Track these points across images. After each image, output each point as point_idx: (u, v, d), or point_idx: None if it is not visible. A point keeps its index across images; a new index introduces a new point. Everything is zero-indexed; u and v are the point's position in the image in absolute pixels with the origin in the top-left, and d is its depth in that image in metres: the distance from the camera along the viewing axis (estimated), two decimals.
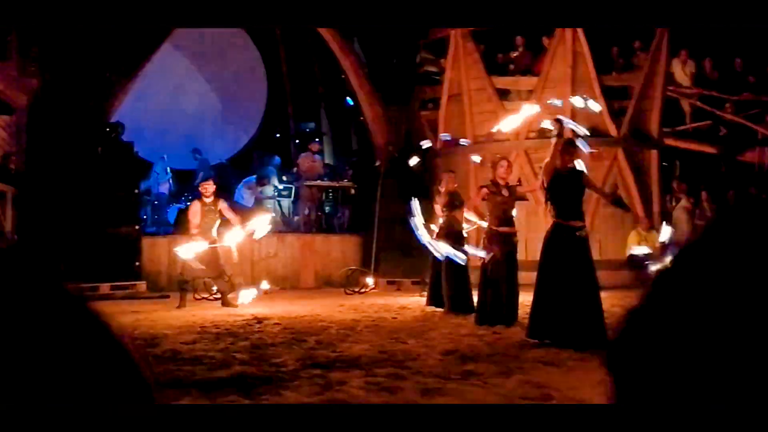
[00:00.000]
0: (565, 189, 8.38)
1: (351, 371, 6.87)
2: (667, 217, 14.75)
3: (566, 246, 8.27)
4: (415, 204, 11.19)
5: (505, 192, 9.84)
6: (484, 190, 9.99)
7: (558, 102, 10.15)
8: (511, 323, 9.52)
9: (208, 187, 11.81)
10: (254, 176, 18.00)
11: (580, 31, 15.28)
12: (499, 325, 9.40)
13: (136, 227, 13.85)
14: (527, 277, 11.96)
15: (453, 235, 10.91)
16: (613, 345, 0.68)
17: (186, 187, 16.75)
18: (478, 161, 12.87)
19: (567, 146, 8.54)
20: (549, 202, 8.54)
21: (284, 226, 17.03)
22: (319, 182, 16.62)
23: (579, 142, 8.85)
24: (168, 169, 16.66)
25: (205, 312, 11.05)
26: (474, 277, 10.74)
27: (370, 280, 14.36)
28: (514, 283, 9.87)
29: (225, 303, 11.73)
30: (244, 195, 17.47)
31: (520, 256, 10.60)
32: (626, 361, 0.66)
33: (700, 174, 15.20)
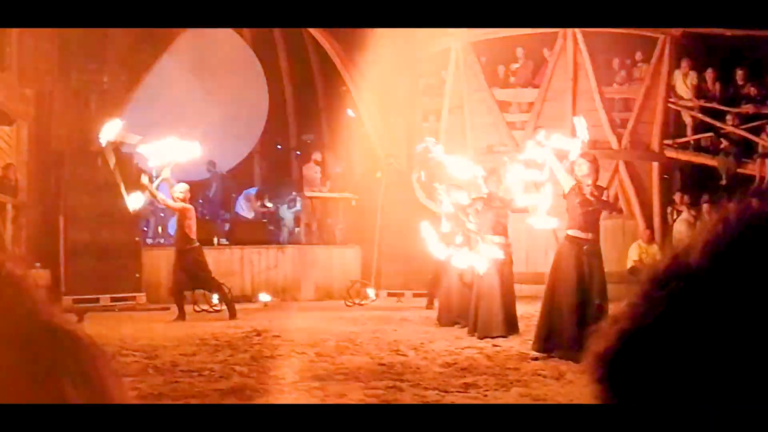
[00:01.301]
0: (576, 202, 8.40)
1: (350, 383, 6.85)
2: (668, 229, 14.74)
3: (575, 259, 8.27)
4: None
5: (497, 203, 9.84)
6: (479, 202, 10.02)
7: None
8: (509, 335, 9.50)
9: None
10: (255, 188, 18.02)
11: (581, 42, 15.30)
12: (499, 337, 9.37)
13: (136, 239, 13.82)
14: (527, 289, 12.00)
15: None
16: (611, 362, 0.67)
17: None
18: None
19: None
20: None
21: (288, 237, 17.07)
22: (319, 193, 16.61)
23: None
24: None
25: (204, 324, 11.03)
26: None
27: (370, 292, 14.32)
28: (511, 295, 9.86)
29: (232, 314, 11.69)
30: (244, 206, 17.48)
31: (521, 268, 10.60)
32: (628, 379, 0.65)
33: (702, 186, 15.18)
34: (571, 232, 8.40)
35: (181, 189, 11.68)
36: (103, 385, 0.67)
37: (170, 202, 11.73)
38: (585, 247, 8.29)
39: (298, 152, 19.62)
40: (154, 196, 11.76)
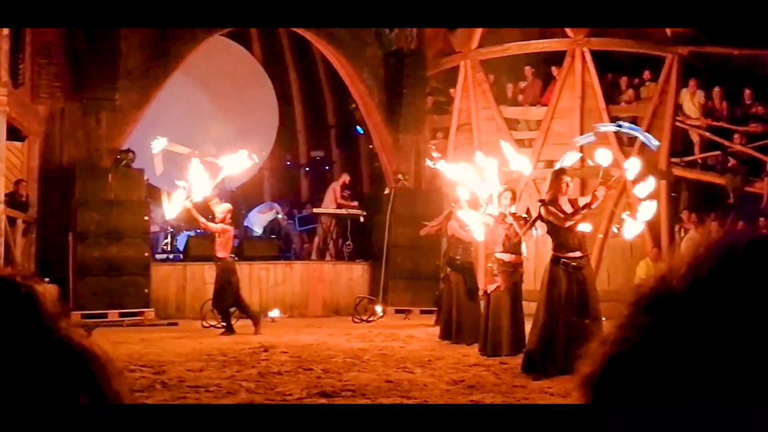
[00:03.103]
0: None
1: (356, 400, 6.87)
2: (676, 248, 14.72)
3: (563, 278, 8.28)
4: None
5: (510, 221, 9.85)
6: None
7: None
8: (517, 353, 9.50)
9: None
10: (268, 203, 18.09)
11: (589, 61, 15.36)
12: (507, 355, 9.38)
13: (146, 254, 13.87)
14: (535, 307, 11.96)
15: None
16: (598, 385, 0.69)
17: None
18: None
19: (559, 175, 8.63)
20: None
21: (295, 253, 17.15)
22: (328, 210, 16.65)
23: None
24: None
25: (212, 340, 11.06)
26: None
27: (378, 309, 14.32)
28: (519, 314, 9.87)
29: (257, 330, 11.76)
30: (253, 221, 17.51)
31: (529, 285, 10.58)
32: (614, 402, 0.67)
33: (710, 205, 15.16)
34: (557, 253, 8.41)
35: (223, 209, 11.94)
36: (116, 398, 0.70)
37: (212, 226, 11.84)
38: (572, 266, 8.29)
39: (307, 168, 19.70)
40: (196, 219, 11.89)
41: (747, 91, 15.21)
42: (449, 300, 11.25)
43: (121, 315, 13.11)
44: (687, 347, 0.64)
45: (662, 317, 0.67)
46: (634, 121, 15.80)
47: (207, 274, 14.06)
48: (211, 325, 12.49)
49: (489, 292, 9.75)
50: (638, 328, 0.68)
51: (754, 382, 0.62)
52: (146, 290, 13.59)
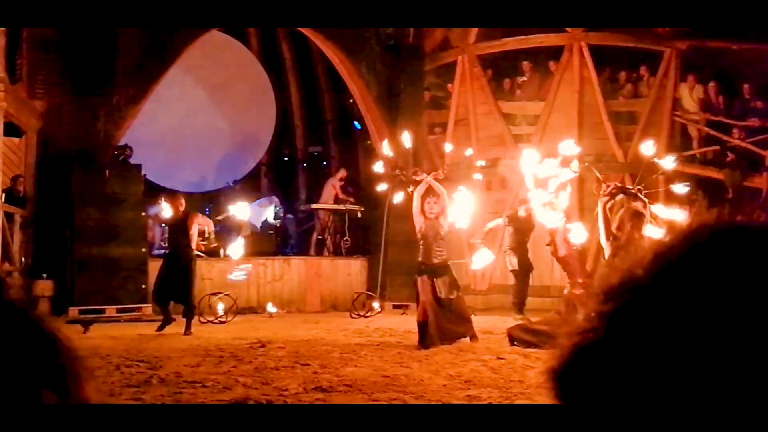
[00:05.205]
0: None
1: (353, 395, 6.86)
2: None
3: None
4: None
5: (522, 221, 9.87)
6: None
7: None
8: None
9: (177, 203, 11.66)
10: (267, 197, 18.10)
11: (587, 56, 15.34)
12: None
13: (143, 250, 13.86)
14: (534, 302, 12.01)
15: None
16: (566, 377, 0.68)
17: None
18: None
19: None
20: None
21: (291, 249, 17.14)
22: (325, 205, 16.64)
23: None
24: None
25: (209, 335, 11.05)
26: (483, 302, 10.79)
27: (376, 304, 14.32)
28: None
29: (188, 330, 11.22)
30: (254, 215, 17.50)
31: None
32: (580, 394, 0.66)
33: (708, 200, 15.13)
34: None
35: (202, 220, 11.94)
36: (82, 398, 0.69)
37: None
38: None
39: (305, 164, 19.69)
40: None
41: (746, 86, 15.19)
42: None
43: (119, 311, 13.12)
44: (651, 337, 0.63)
45: (627, 307, 0.66)
46: (632, 115, 15.82)
47: (204, 269, 14.07)
48: (209, 321, 12.51)
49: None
50: (604, 319, 0.67)
51: (719, 371, 0.61)
52: (144, 286, 13.59)
